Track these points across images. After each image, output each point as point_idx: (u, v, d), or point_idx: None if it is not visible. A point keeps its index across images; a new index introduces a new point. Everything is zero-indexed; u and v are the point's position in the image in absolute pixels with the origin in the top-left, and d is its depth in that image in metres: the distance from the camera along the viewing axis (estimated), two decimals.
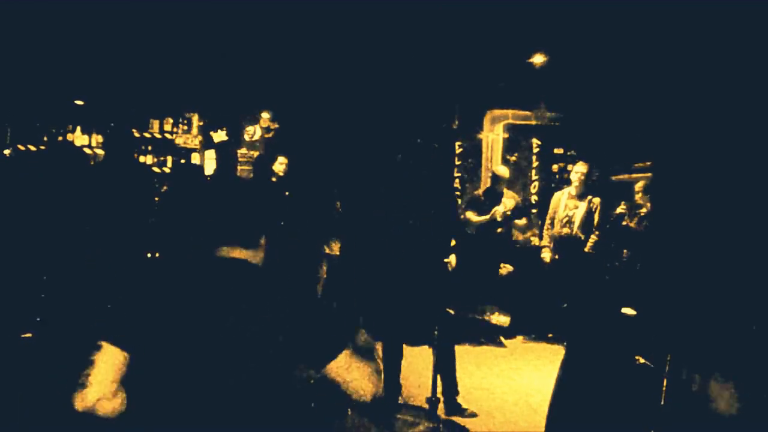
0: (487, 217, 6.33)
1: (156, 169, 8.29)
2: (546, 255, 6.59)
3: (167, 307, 1.56)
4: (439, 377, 4.25)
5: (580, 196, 6.49)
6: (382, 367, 1.78)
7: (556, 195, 6.74)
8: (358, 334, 1.77)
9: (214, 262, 1.64)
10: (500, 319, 6.41)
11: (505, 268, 6.70)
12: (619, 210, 6.29)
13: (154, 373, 1.54)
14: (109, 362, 1.53)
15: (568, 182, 6.76)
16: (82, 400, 1.51)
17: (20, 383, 2.97)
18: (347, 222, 6.14)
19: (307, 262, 5.75)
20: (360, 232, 6.03)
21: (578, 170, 6.50)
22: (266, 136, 8.71)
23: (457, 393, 4.51)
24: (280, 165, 6.50)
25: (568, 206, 6.53)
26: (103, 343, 1.54)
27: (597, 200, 6.47)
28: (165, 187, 7.34)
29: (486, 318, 6.39)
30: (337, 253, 6.05)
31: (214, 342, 1.52)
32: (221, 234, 1.66)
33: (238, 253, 1.66)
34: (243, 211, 1.71)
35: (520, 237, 7.21)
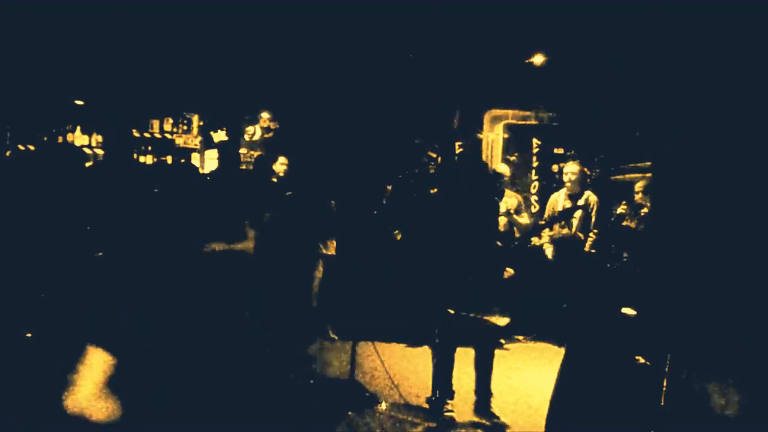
0: None
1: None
2: (549, 251, 6.58)
3: (160, 308, 1.55)
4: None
5: (577, 196, 6.49)
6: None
7: (553, 196, 6.74)
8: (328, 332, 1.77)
9: (207, 258, 1.63)
10: (499, 321, 6.41)
11: (507, 272, 6.69)
12: (619, 210, 6.28)
13: (145, 375, 1.53)
14: (96, 365, 1.52)
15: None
16: (72, 402, 1.49)
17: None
18: (344, 222, 6.15)
19: (303, 262, 5.75)
20: (358, 232, 6.03)
21: (569, 170, 6.51)
22: (266, 136, 8.72)
23: (451, 395, 4.38)
24: (281, 165, 6.50)
25: (565, 206, 6.53)
26: (90, 347, 1.53)
27: (594, 199, 6.46)
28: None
29: (485, 318, 6.40)
30: (333, 252, 6.06)
31: (208, 343, 1.51)
32: (216, 230, 1.65)
33: (230, 247, 1.65)
34: (236, 204, 1.70)
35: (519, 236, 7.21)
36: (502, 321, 6.18)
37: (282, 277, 5.03)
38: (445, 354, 4.40)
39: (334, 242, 6.03)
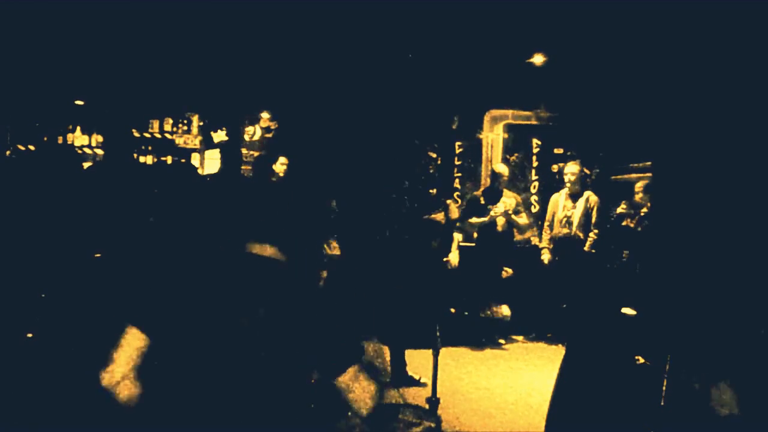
0: (486, 219, 6.34)
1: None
2: (545, 257, 6.60)
3: (188, 299, 1.56)
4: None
5: (577, 196, 6.51)
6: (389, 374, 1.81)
7: (554, 196, 6.76)
8: (367, 344, 1.78)
9: (242, 259, 1.64)
10: (502, 312, 6.42)
11: (506, 272, 6.70)
12: (619, 210, 6.30)
13: (168, 364, 1.54)
14: (132, 344, 1.53)
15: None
16: (109, 377, 1.51)
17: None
18: (345, 221, 6.15)
19: (309, 263, 5.75)
20: (358, 231, 6.04)
21: (570, 170, 6.55)
22: (266, 136, 8.71)
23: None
24: (281, 165, 6.50)
25: (566, 207, 6.54)
26: (129, 326, 1.54)
27: (594, 198, 6.48)
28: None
29: (488, 314, 6.42)
30: (337, 253, 6.05)
31: (229, 340, 1.52)
32: (247, 231, 1.66)
33: (268, 251, 1.66)
34: (272, 210, 1.70)
35: (520, 237, 7.22)
36: (505, 310, 6.24)
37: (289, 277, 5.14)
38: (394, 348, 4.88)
39: (337, 242, 6.03)
